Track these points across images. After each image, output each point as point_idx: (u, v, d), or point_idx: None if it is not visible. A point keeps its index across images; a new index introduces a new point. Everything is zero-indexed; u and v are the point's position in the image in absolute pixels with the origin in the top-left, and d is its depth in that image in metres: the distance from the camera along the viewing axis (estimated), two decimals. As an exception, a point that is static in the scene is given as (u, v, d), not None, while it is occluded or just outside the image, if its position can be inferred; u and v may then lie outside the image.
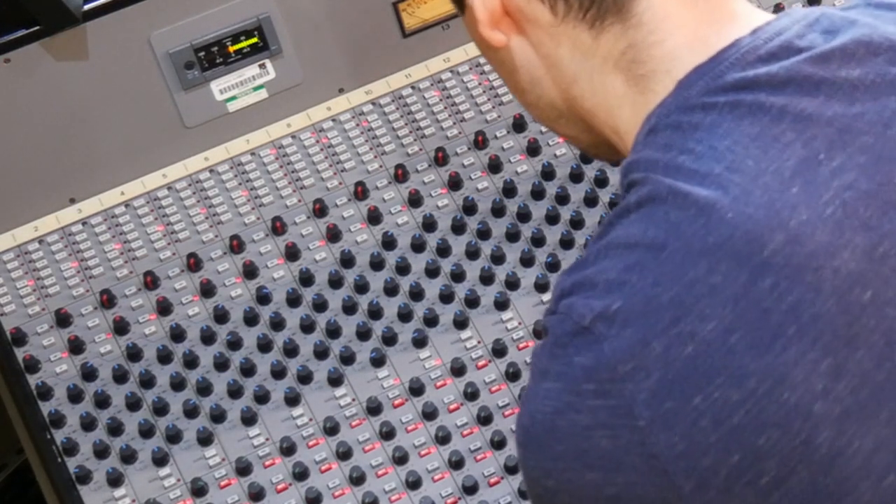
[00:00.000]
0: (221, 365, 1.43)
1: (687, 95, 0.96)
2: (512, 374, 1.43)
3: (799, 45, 0.96)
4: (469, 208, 1.52)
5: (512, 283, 1.48)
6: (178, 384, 1.42)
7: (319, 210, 1.51)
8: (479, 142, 1.55)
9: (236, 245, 1.49)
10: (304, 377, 1.42)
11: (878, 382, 0.90)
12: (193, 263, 1.48)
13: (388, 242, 1.49)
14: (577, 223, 1.51)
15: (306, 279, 1.47)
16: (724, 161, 0.92)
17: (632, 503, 0.92)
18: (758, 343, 0.89)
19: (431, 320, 1.45)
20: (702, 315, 0.90)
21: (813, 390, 0.89)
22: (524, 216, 1.51)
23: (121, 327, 1.44)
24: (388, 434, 1.40)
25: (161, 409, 1.41)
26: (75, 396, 1.41)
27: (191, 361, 1.43)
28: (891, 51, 0.96)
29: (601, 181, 1.53)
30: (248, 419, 1.40)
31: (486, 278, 1.48)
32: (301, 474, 1.38)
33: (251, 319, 1.45)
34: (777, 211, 0.90)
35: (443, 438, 1.40)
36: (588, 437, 0.92)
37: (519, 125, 1.56)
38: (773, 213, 0.90)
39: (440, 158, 1.54)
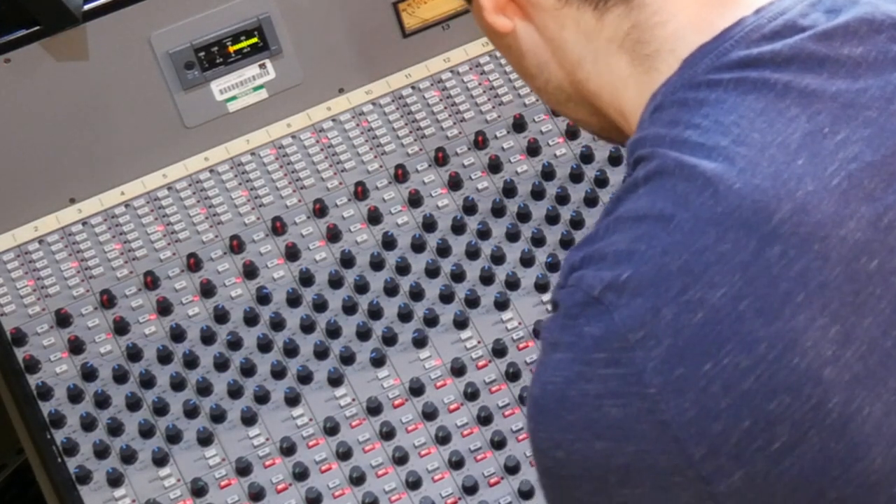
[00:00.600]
0: (221, 365, 1.43)
1: (692, 73, 0.97)
2: (512, 374, 1.43)
3: (802, 24, 0.97)
4: (469, 208, 1.52)
5: (512, 283, 1.48)
6: (178, 384, 1.42)
7: (319, 210, 1.51)
8: (479, 142, 1.55)
9: (236, 245, 1.49)
10: (304, 377, 1.42)
11: (885, 349, 0.91)
12: (193, 263, 1.48)
13: (388, 242, 1.49)
14: (577, 223, 1.51)
15: (306, 279, 1.47)
16: (730, 135, 0.93)
17: (641, 473, 0.92)
18: (767, 309, 0.90)
19: (431, 320, 1.45)
20: (711, 282, 0.90)
21: (822, 356, 0.90)
22: (524, 216, 1.51)
23: (121, 327, 1.44)
24: (388, 434, 1.40)
25: (161, 409, 1.41)
26: (75, 396, 1.41)
27: (191, 361, 1.43)
28: (892, 28, 0.98)
29: (601, 181, 1.53)
30: (248, 419, 1.40)
31: (486, 278, 1.48)
32: (301, 474, 1.38)
33: (251, 319, 1.45)
34: (784, 181, 0.91)
35: (443, 438, 1.40)
36: (598, 406, 0.92)
37: (519, 125, 1.56)
38: (780, 183, 0.91)
39: (440, 158, 1.54)
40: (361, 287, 1.47)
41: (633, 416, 0.91)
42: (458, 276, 1.48)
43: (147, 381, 1.42)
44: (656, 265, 0.91)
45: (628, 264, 0.92)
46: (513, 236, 1.50)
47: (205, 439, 1.39)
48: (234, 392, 1.41)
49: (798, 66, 0.95)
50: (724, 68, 0.96)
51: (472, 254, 1.49)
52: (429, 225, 1.50)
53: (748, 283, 0.90)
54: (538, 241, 1.50)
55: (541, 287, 1.48)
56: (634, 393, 0.91)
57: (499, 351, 1.44)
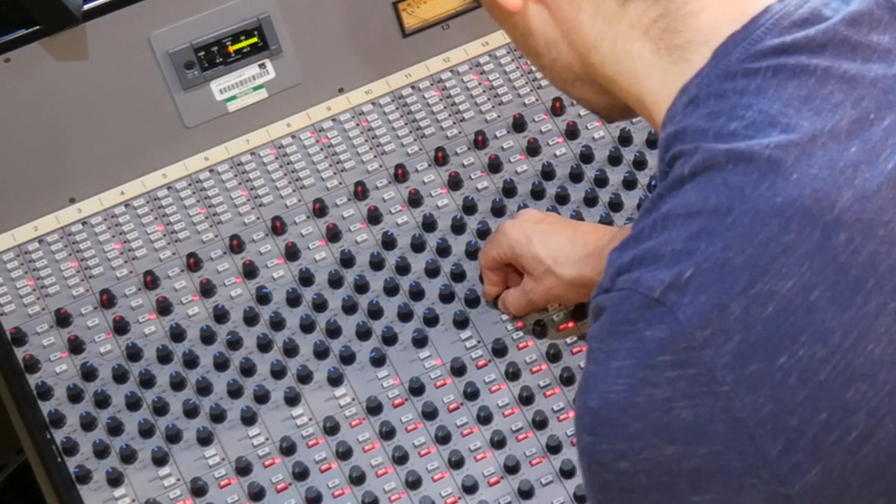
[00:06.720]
0: (221, 365, 1.43)
1: (726, 63, 0.96)
2: (512, 374, 1.43)
3: (826, 13, 0.96)
4: (469, 208, 1.52)
5: (512, 283, 1.48)
6: (178, 384, 1.42)
7: (319, 210, 1.51)
8: (479, 142, 1.55)
9: (236, 245, 1.49)
10: (304, 377, 1.42)
11: None
12: (193, 263, 1.48)
13: (388, 242, 1.49)
14: (577, 223, 1.51)
15: (306, 279, 1.47)
16: (778, 124, 0.92)
17: (713, 477, 0.91)
18: (839, 298, 0.89)
19: (431, 320, 1.45)
20: (779, 274, 0.90)
21: None
22: (524, 216, 1.51)
23: (121, 327, 1.44)
24: (388, 434, 1.40)
25: (161, 408, 1.41)
26: (75, 396, 1.41)
27: (191, 361, 1.43)
28: None
29: (601, 181, 1.53)
30: (248, 419, 1.40)
31: (486, 278, 1.48)
32: (301, 474, 1.38)
33: (251, 319, 1.45)
34: (841, 170, 0.91)
35: (443, 438, 1.40)
36: (668, 409, 0.91)
37: (519, 125, 1.56)
38: (836, 172, 0.91)
39: (440, 158, 1.54)
40: (361, 287, 1.47)
41: (705, 416, 0.90)
42: (458, 275, 1.48)
43: (147, 381, 1.42)
44: (719, 260, 0.90)
45: (689, 262, 0.91)
46: (513, 236, 1.50)
47: (204, 439, 1.39)
48: (234, 392, 1.41)
49: (833, 52, 0.94)
50: (759, 56, 0.95)
51: (472, 253, 1.49)
52: (429, 225, 1.51)
53: (817, 273, 0.89)
54: (538, 240, 1.50)
55: (541, 287, 1.48)
56: (706, 392, 0.90)
57: (499, 350, 1.44)
